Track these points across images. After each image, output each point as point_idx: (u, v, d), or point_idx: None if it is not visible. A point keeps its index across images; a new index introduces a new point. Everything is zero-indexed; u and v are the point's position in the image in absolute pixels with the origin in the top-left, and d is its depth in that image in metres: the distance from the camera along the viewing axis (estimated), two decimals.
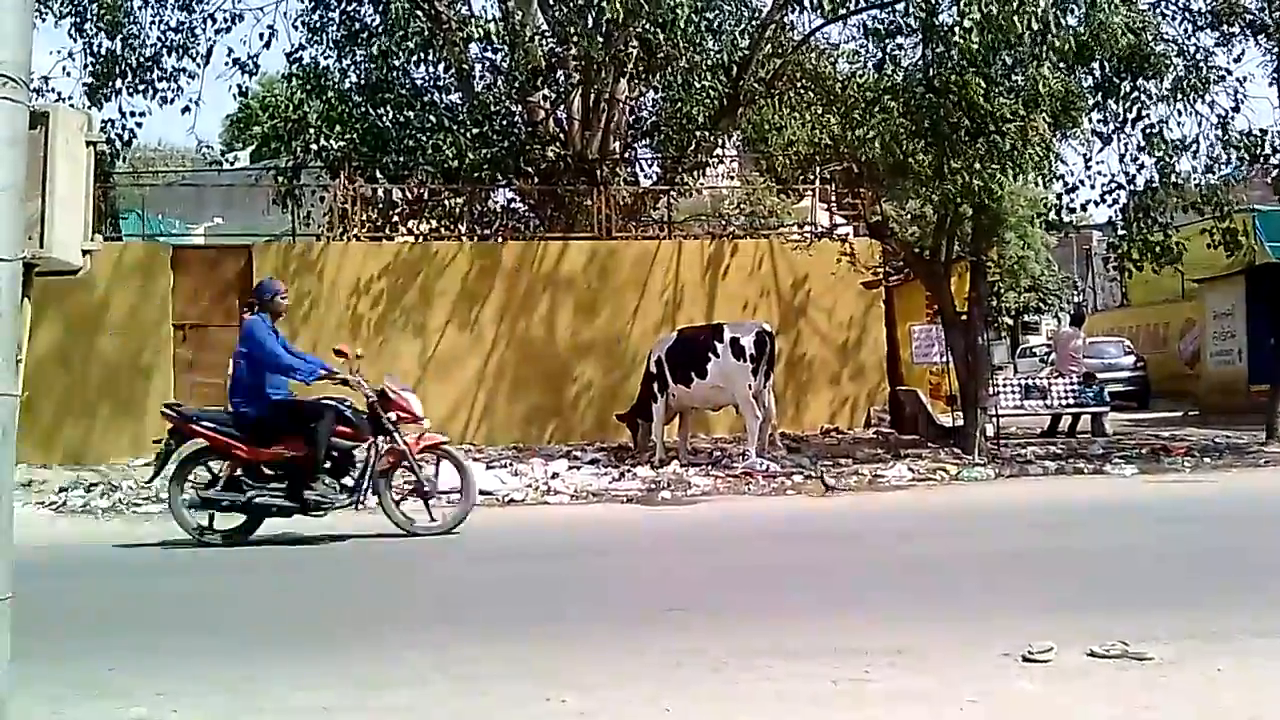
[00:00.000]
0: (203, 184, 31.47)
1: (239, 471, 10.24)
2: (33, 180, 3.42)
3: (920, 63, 15.20)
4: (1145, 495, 12.29)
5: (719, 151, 23.63)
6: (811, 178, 21.59)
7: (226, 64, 20.62)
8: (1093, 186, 17.07)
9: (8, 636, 3.14)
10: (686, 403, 15.82)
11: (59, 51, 19.99)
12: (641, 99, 23.59)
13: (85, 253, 3.82)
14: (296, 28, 21.47)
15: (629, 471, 14.60)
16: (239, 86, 21.25)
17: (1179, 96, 15.54)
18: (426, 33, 20.89)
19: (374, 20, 21.47)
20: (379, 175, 21.77)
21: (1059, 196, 16.90)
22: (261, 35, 20.77)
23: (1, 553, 3.12)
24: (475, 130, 21.40)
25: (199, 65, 20.11)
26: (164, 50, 19.76)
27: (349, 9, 21.45)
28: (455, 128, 21.42)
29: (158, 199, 27.96)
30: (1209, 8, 15.92)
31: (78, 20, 19.05)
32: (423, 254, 19.64)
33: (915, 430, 18.53)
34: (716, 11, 19.44)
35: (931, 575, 8.00)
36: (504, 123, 22.28)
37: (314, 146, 21.97)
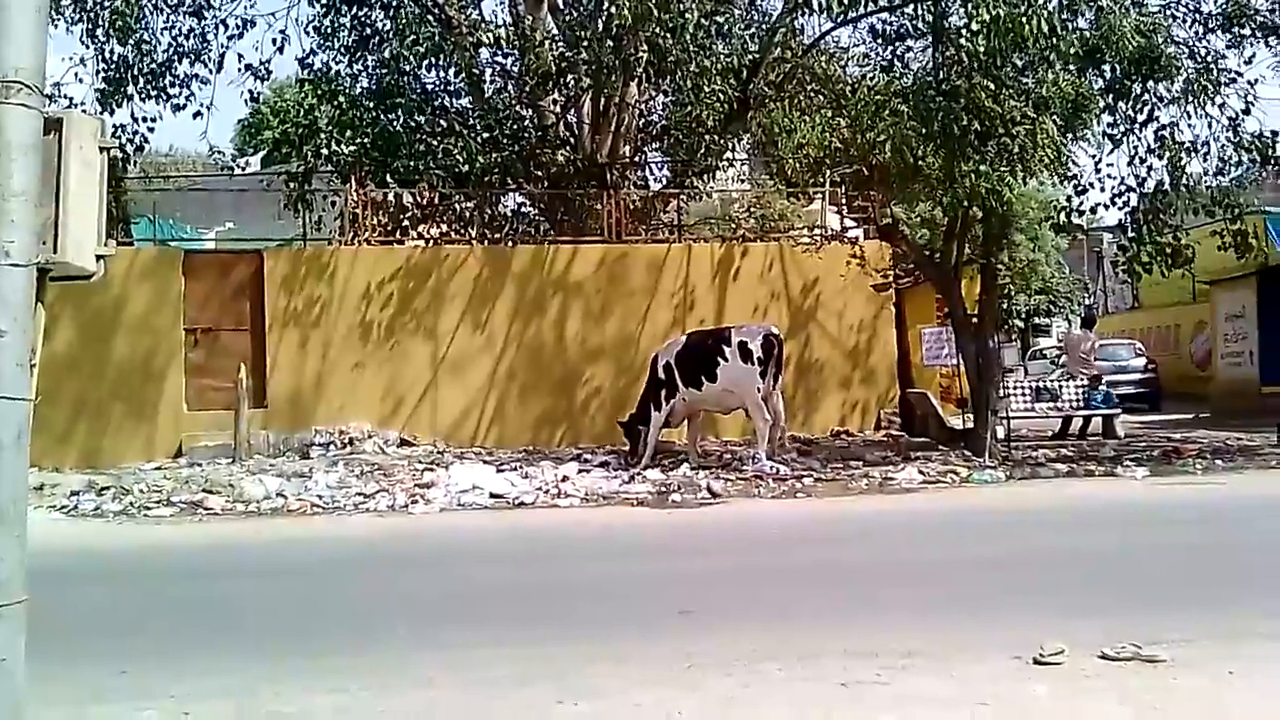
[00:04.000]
0: (214, 189, 31.59)
1: None
2: (46, 186, 3.44)
3: (929, 65, 15.20)
4: (1156, 497, 12.26)
5: (729, 155, 23.59)
6: (821, 181, 21.58)
7: (238, 69, 20.72)
8: (1103, 189, 17.05)
9: (22, 639, 3.15)
10: (697, 406, 15.83)
11: (71, 57, 20.01)
12: (651, 103, 23.60)
13: (99, 258, 3.84)
14: (308, 33, 21.55)
15: (639, 475, 14.60)
16: (250, 92, 21.40)
17: (1189, 99, 15.51)
18: (437, 38, 20.94)
19: (385, 25, 21.52)
20: (390, 180, 21.80)
21: (1069, 199, 16.87)
22: (273, 41, 20.83)
23: (16, 556, 3.14)
24: (485, 135, 21.46)
25: (211, 71, 20.22)
26: (176, 56, 19.83)
27: (360, 14, 21.50)
28: (466, 132, 21.48)
29: (169, 204, 28.00)
30: (1220, 10, 15.89)
31: (89, 26, 19.09)
32: (433, 258, 19.66)
33: (926, 433, 18.51)
34: (726, 16, 19.44)
35: (942, 578, 7.99)
36: (514, 127, 22.32)
37: (325, 151, 22.00)
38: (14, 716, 3.12)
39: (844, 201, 23.24)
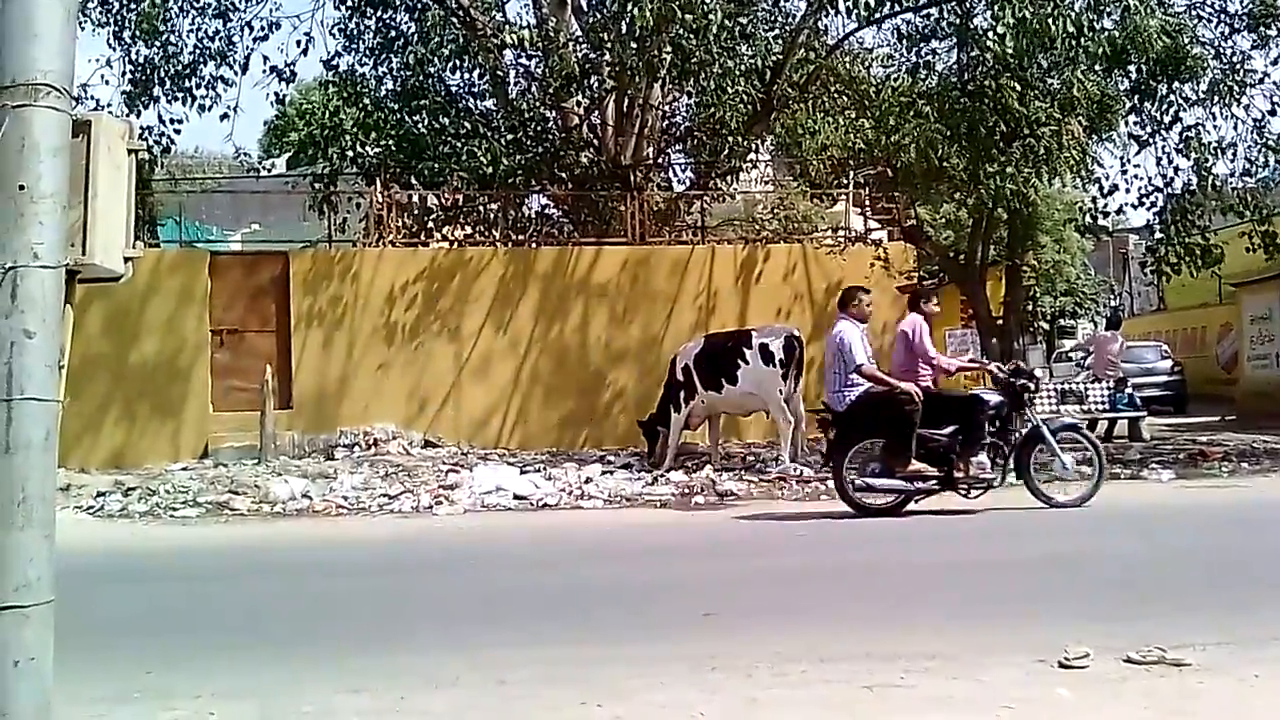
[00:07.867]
0: (240, 191, 31.78)
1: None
2: (75, 188, 3.46)
3: (955, 67, 15.18)
4: (1182, 500, 12.19)
5: (752, 156, 23.57)
6: (845, 182, 21.55)
7: (264, 71, 20.85)
8: (1129, 190, 17.06)
9: (50, 638, 3.18)
10: (716, 408, 15.81)
11: (97, 59, 20.16)
12: (675, 104, 23.60)
13: (126, 259, 3.86)
14: (333, 35, 21.68)
15: (662, 477, 14.59)
16: (276, 94, 21.51)
17: (1215, 100, 15.44)
18: (461, 40, 21.01)
19: (409, 28, 21.60)
20: (414, 181, 21.89)
21: (1095, 200, 16.80)
22: (298, 43, 21.07)
23: (44, 556, 3.16)
24: (510, 136, 21.51)
25: (236, 73, 20.34)
26: (201, 58, 19.96)
27: (384, 17, 21.59)
28: (490, 134, 21.54)
29: (195, 205, 28.20)
30: (1245, 10, 15.81)
31: (116, 29, 19.26)
32: (458, 260, 19.73)
33: None
34: (749, 17, 19.42)
35: (966, 580, 7.96)
36: (538, 129, 22.37)
37: (350, 153, 22.11)
38: (42, 715, 3.15)
39: (868, 203, 23.20)
